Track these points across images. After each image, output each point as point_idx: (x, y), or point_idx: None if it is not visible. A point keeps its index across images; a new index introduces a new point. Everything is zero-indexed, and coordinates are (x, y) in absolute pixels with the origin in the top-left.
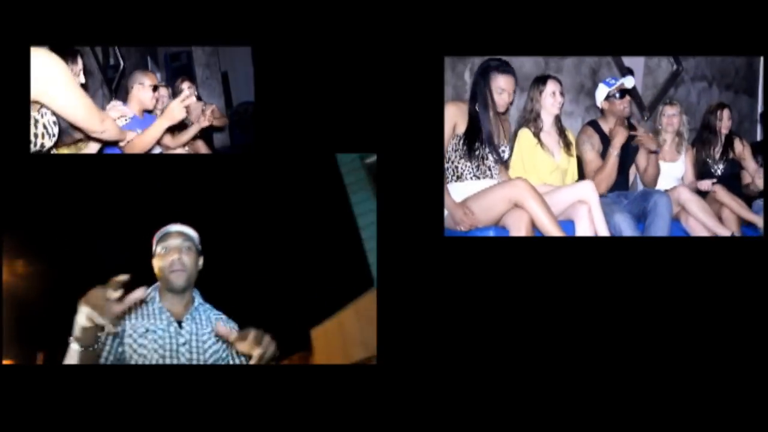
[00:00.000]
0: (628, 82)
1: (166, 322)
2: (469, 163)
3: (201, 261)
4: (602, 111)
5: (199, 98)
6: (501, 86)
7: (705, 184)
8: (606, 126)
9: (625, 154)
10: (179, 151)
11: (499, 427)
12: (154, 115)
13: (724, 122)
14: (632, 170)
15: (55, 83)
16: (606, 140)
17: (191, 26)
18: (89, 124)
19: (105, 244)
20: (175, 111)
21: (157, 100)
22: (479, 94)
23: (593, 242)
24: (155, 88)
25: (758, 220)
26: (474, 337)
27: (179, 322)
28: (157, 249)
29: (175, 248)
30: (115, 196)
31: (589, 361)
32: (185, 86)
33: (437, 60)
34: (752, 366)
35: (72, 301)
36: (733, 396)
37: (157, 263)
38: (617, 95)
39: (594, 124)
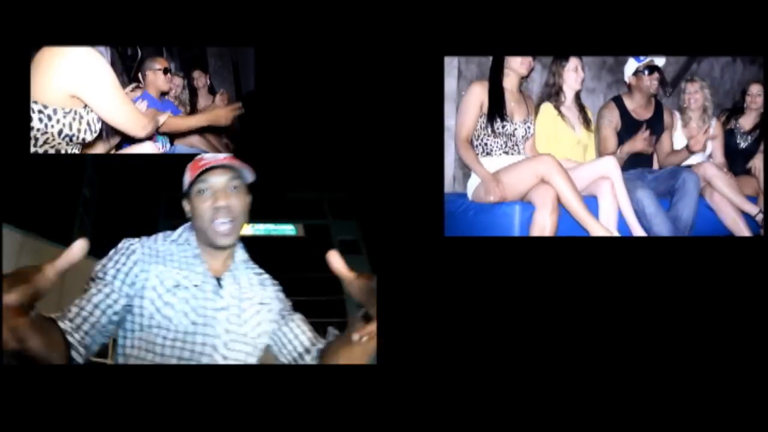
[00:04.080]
0: (658, 58)
1: (202, 276)
2: (498, 140)
3: (249, 200)
4: (629, 87)
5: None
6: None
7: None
8: (630, 103)
9: (653, 131)
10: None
11: (500, 428)
12: (170, 101)
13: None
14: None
15: (101, 90)
16: (626, 117)
17: (195, 27)
18: (132, 131)
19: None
20: (222, 118)
21: (170, 84)
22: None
23: (593, 242)
24: (166, 71)
25: (753, 210)
26: (475, 338)
27: (218, 279)
28: (194, 188)
29: (220, 189)
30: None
31: (590, 361)
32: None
33: (437, 60)
34: (752, 366)
35: None
36: (733, 396)
37: (192, 208)
38: (646, 71)
39: (618, 100)
